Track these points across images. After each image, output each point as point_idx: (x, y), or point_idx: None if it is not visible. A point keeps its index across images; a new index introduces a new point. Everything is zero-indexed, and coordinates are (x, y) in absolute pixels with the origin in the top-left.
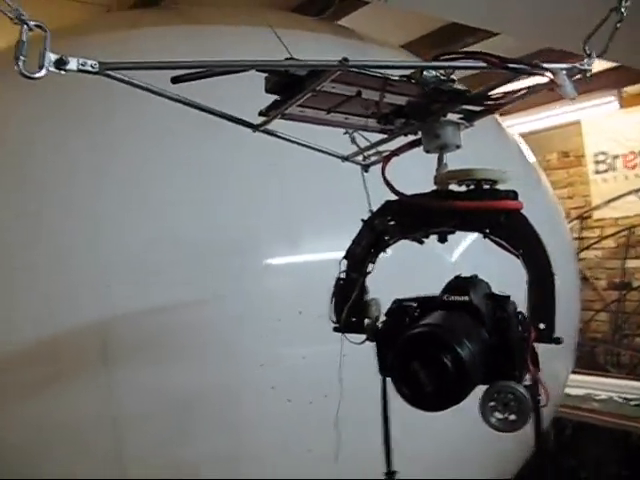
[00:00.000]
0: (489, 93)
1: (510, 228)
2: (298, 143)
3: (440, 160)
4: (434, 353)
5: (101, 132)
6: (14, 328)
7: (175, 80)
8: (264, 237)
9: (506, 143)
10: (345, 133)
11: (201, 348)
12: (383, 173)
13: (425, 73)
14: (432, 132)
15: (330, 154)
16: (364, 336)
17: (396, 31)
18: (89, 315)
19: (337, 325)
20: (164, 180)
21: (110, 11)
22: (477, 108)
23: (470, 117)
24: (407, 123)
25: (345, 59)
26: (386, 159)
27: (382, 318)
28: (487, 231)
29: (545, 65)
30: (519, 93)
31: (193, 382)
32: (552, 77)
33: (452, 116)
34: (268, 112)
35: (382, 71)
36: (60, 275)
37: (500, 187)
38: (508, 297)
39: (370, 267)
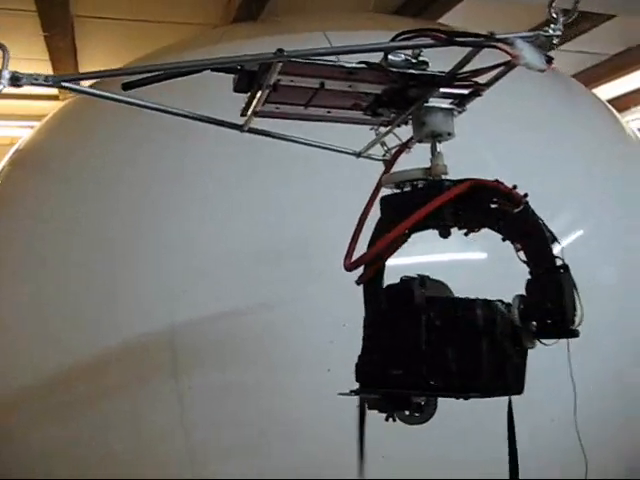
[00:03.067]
0: (457, 73)
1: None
2: (304, 143)
3: (433, 149)
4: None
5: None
6: (87, 337)
7: (127, 86)
8: (330, 242)
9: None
10: (371, 129)
11: (269, 353)
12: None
13: (392, 57)
14: (419, 120)
15: (342, 151)
16: None
17: (499, 26)
18: (159, 323)
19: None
20: (231, 191)
21: (217, 27)
22: (463, 91)
23: (461, 102)
24: (396, 113)
25: (280, 50)
26: (396, 153)
27: None
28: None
29: (499, 36)
30: (487, 69)
31: (262, 388)
32: (507, 49)
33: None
34: (245, 112)
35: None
36: (133, 284)
37: None
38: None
39: None
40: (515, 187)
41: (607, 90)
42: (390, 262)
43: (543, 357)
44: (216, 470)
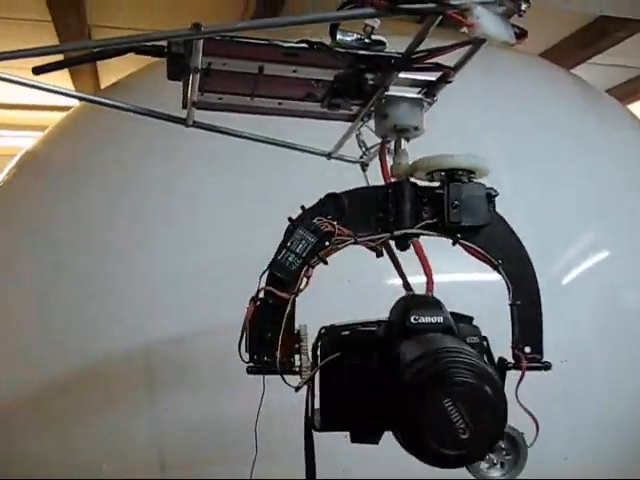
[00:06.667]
0: (412, 53)
1: (487, 233)
2: (262, 141)
3: (397, 147)
4: (476, 386)
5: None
6: (60, 353)
7: (38, 70)
8: None
9: None
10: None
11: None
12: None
13: (340, 36)
14: (380, 112)
15: (309, 151)
16: (297, 379)
17: (534, 36)
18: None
19: (252, 365)
20: (214, 203)
21: None
22: (430, 77)
23: (429, 90)
24: (358, 105)
25: (196, 24)
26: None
27: (313, 352)
28: (458, 235)
29: (454, 1)
30: (448, 48)
31: (243, 409)
32: (461, 18)
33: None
34: (184, 103)
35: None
36: (109, 296)
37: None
38: (472, 318)
39: (303, 283)
40: None
41: None
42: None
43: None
44: None
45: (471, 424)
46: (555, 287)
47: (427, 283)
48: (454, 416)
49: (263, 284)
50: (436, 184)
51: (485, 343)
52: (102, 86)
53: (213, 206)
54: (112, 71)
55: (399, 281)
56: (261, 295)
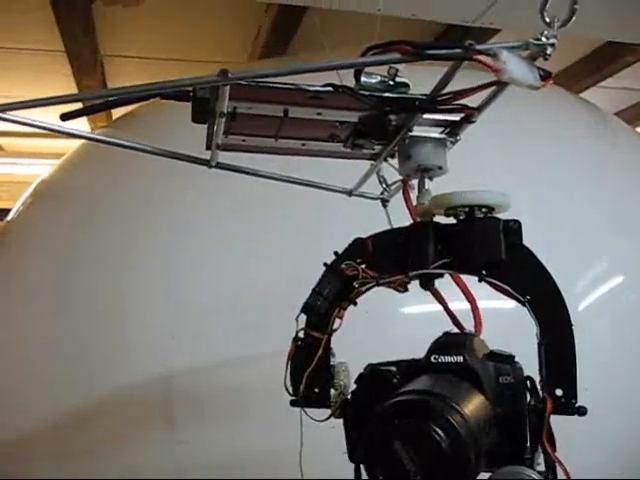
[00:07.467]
0: (438, 95)
1: (513, 267)
2: (285, 180)
3: (420, 186)
4: (422, 427)
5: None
6: (78, 384)
7: (65, 117)
8: None
9: None
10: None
11: (272, 405)
12: (406, 202)
13: (364, 79)
14: (404, 152)
15: (330, 189)
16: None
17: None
18: (153, 372)
19: (294, 398)
20: (237, 234)
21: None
22: (454, 118)
23: (452, 130)
24: (381, 145)
25: (223, 71)
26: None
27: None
28: (483, 273)
29: (480, 46)
30: (473, 90)
31: (263, 442)
32: (489, 62)
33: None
34: (208, 145)
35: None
36: (126, 326)
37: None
38: (513, 357)
39: (337, 323)
40: None
41: None
42: (416, 309)
43: None
44: None
45: (421, 468)
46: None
47: (474, 318)
48: (404, 456)
49: (302, 325)
50: (453, 221)
51: (528, 383)
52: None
53: (232, 237)
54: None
55: (414, 311)
56: (301, 335)
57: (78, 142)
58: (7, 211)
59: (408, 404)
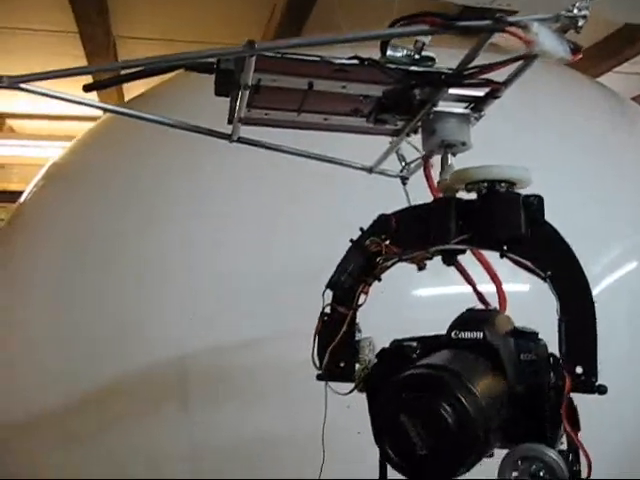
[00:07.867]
0: (465, 69)
1: (535, 243)
2: (304, 155)
3: (444, 162)
4: (430, 403)
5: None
6: (91, 365)
7: (88, 88)
8: None
9: None
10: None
11: (288, 386)
12: (427, 179)
13: (390, 52)
14: (428, 128)
15: (351, 166)
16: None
17: None
18: (169, 352)
19: (320, 372)
20: (250, 211)
21: None
22: (479, 93)
23: (477, 106)
24: (404, 120)
25: (250, 42)
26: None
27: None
28: (505, 248)
29: (511, 18)
30: (501, 64)
31: (279, 423)
32: (520, 34)
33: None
34: (230, 119)
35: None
36: (143, 306)
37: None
38: (536, 334)
39: (362, 299)
40: None
41: None
42: (427, 292)
43: None
44: None
45: (427, 443)
46: None
47: (498, 294)
48: (410, 430)
49: (327, 301)
50: (474, 196)
51: (550, 359)
52: (126, 98)
53: (250, 215)
54: (137, 85)
55: (431, 292)
56: (327, 310)
57: (89, 124)
58: (19, 193)
59: (416, 378)
